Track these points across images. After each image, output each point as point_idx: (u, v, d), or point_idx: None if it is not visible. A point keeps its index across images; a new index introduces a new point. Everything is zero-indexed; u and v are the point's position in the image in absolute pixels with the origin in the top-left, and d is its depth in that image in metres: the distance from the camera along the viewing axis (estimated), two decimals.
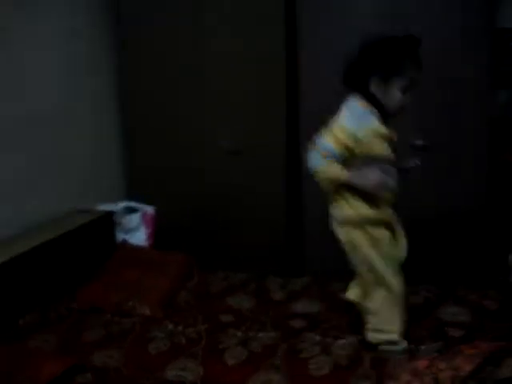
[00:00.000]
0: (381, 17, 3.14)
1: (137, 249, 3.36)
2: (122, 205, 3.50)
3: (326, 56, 3.27)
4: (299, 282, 3.17)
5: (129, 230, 3.44)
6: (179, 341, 2.52)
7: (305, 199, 3.46)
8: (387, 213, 2.34)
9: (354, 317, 2.64)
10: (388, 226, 2.36)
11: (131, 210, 3.54)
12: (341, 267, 2.62)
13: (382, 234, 2.33)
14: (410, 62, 2.12)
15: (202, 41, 3.47)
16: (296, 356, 2.38)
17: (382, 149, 2.21)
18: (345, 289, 2.74)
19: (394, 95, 2.13)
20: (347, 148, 2.14)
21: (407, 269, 3.24)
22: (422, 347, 2.40)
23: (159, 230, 3.53)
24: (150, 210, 3.51)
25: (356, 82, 2.20)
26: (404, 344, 2.38)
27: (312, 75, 3.33)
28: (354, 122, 2.15)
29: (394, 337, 2.36)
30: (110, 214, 3.36)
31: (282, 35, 3.36)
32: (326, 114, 2.33)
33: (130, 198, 3.68)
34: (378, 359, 2.32)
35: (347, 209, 2.28)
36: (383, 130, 2.18)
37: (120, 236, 3.43)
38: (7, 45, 2.91)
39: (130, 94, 3.70)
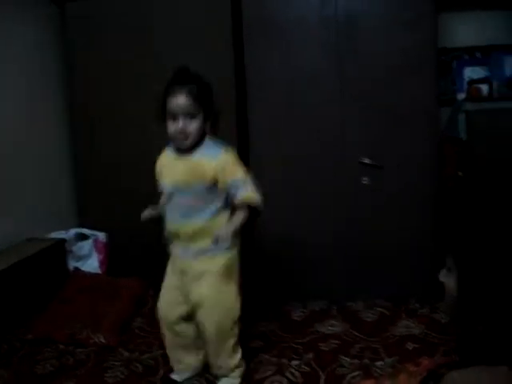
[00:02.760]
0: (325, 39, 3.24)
1: (89, 276, 3.30)
2: (73, 232, 3.45)
3: (270, 81, 3.36)
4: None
5: (81, 258, 3.39)
6: (136, 368, 2.51)
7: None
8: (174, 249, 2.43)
9: None
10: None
11: (83, 237, 3.49)
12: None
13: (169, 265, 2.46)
14: (166, 96, 2.25)
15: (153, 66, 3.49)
16: None
17: (161, 176, 2.39)
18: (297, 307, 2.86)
19: (168, 126, 2.27)
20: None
21: (364, 285, 3.33)
22: (378, 363, 2.46)
23: (112, 256, 3.49)
24: (101, 236, 3.46)
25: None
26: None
27: (257, 98, 3.40)
28: None
29: None
30: (62, 241, 3.31)
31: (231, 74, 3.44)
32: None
33: (81, 224, 3.63)
34: None
35: None
36: (160, 161, 2.41)
37: (72, 264, 3.37)
38: None
39: (79, 121, 3.67)
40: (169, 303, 2.38)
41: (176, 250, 2.37)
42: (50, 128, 3.65)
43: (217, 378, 2.41)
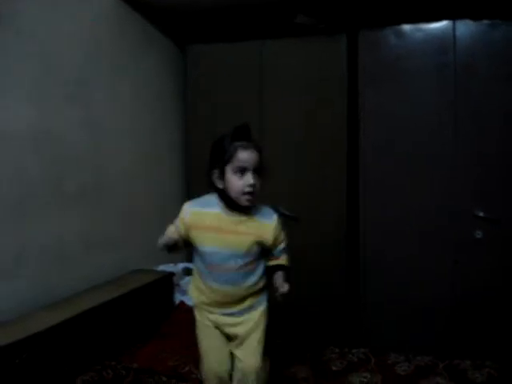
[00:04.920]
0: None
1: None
2: (181, 266, 3.54)
3: (384, 130, 3.36)
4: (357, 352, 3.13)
5: (186, 292, 3.45)
6: None
7: (363, 268, 3.45)
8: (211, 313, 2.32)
9: None
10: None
11: (189, 272, 3.57)
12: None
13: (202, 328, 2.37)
14: (234, 148, 2.13)
15: (265, 114, 3.62)
16: None
17: (201, 239, 2.22)
18: (402, 361, 2.75)
19: (231, 180, 2.14)
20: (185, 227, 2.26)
21: (472, 343, 3.19)
22: None
23: None
24: None
25: (207, 177, 2.25)
26: None
27: (371, 147, 3.40)
28: (188, 204, 2.31)
29: None
30: (171, 275, 3.40)
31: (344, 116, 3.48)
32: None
33: (188, 259, 3.72)
34: None
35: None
36: (183, 215, 2.27)
37: (178, 297, 3.45)
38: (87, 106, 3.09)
39: (195, 159, 3.83)
40: (219, 361, 2.33)
41: (213, 311, 2.31)
42: (164, 162, 3.81)
43: None
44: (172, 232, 2.29)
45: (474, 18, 3.15)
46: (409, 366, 2.97)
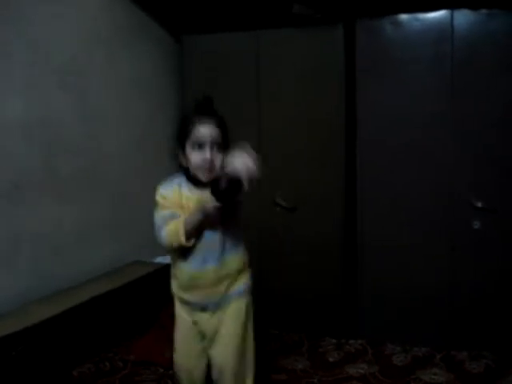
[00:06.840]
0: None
1: None
2: None
3: (382, 120, 3.35)
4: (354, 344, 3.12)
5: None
6: None
7: (361, 259, 3.45)
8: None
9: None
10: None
11: None
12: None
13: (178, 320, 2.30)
14: (192, 123, 2.11)
15: (262, 104, 3.61)
16: None
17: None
18: (399, 352, 2.78)
19: (189, 156, 2.12)
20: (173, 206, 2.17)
21: (469, 334, 3.19)
22: None
23: None
24: None
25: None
26: None
27: (368, 137, 3.38)
28: (162, 187, 2.23)
29: None
30: (167, 266, 3.38)
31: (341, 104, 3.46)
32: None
33: None
34: None
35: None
36: (164, 195, 2.19)
37: None
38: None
39: None
40: (188, 355, 2.26)
41: (190, 300, 2.23)
42: (162, 149, 3.79)
43: None
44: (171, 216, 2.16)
45: (472, 7, 3.14)
46: (406, 356, 2.97)
